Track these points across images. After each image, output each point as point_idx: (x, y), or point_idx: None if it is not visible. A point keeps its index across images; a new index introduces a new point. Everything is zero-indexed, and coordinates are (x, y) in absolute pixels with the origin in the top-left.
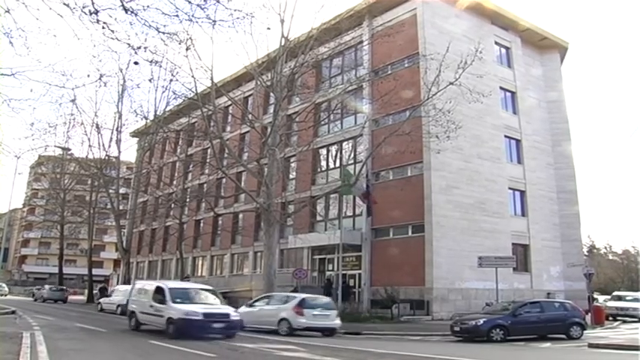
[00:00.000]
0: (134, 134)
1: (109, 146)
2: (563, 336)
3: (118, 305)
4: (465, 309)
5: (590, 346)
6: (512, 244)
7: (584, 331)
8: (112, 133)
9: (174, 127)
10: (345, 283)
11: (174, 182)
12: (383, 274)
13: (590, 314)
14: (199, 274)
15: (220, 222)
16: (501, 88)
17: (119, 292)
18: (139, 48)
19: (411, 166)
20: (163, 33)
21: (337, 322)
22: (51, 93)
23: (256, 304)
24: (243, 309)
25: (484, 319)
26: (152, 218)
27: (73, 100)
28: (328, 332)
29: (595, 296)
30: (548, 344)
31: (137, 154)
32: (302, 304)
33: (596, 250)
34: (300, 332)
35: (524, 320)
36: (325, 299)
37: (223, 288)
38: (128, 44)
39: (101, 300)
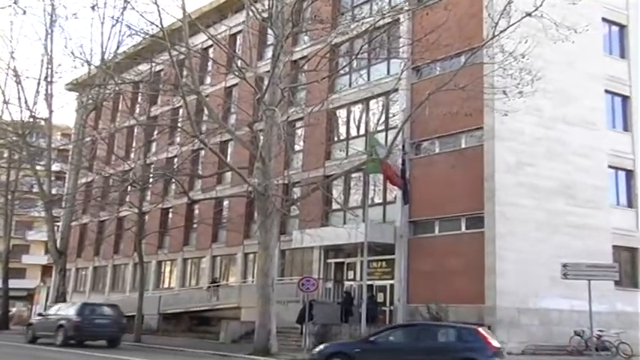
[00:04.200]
0: (72, 87)
1: (35, 103)
2: None
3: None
4: (543, 338)
5: None
6: (614, 246)
7: None
8: (39, 84)
9: (130, 78)
10: (372, 298)
11: (132, 156)
12: (424, 287)
13: None
14: (166, 284)
15: (197, 212)
16: (605, 19)
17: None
18: None
19: (467, 134)
20: None
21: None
22: None
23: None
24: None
25: (325, 345)
26: (99, 207)
27: None
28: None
29: None
30: None
31: (77, 115)
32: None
33: None
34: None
35: (383, 349)
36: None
37: (199, 305)
38: None
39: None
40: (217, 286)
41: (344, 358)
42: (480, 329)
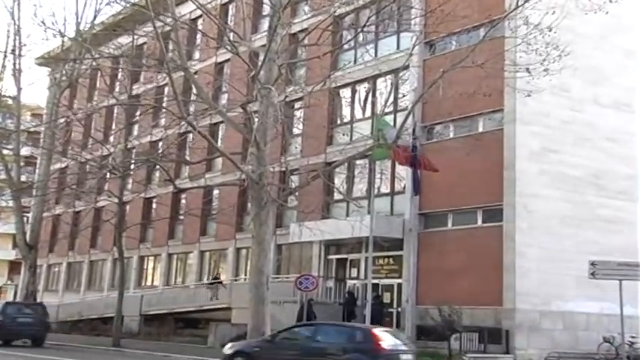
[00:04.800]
0: (43, 61)
1: (1, 79)
2: None
3: None
4: (568, 345)
5: None
6: None
7: None
8: (5, 57)
9: (109, 52)
10: (378, 298)
11: (111, 139)
12: (436, 286)
13: None
14: (148, 282)
15: (184, 202)
16: None
17: None
18: None
19: (485, 116)
20: None
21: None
22: None
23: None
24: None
25: (232, 344)
26: (74, 196)
27: None
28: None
29: None
30: None
31: (49, 93)
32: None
33: None
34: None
35: (280, 348)
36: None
37: (186, 305)
38: None
39: None
40: (220, 283)
41: (244, 357)
42: (376, 330)
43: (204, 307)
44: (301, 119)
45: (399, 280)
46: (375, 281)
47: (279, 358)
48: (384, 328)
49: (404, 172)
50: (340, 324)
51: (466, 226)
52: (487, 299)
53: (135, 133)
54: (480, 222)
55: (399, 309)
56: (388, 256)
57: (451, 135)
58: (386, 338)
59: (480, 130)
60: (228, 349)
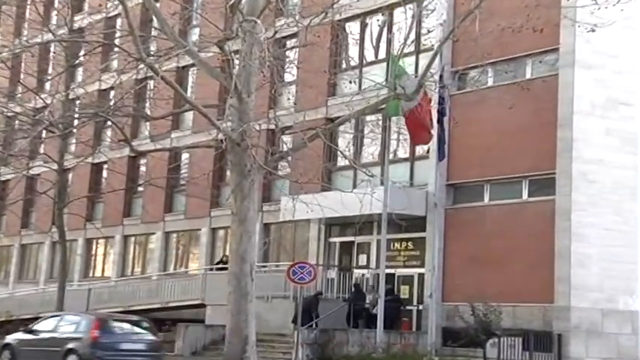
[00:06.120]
0: None
1: None
2: None
3: None
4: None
5: None
6: None
7: None
8: None
9: None
10: (393, 292)
11: (48, 87)
12: (468, 278)
13: None
14: (98, 272)
15: (143, 169)
16: None
17: None
18: None
19: (535, 58)
20: None
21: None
22: None
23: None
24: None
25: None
26: (0, 160)
27: None
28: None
29: None
30: None
31: None
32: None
33: None
34: None
35: (36, 339)
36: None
37: (147, 302)
38: None
39: None
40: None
41: (9, 349)
42: (98, 319)
43: (171, 305)
44: (295, 62)
45: (421, 270)
46: (390, 271)
47: (32, 350)
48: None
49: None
50: (77, 313)
51: (507, 201)
52: (534, 294)
53: (78, 79)
54: (525, 195)
55: (421, 306)
56: (406, 239)
57: (489, 83)
58: (104, 329)
59: (528, 76)
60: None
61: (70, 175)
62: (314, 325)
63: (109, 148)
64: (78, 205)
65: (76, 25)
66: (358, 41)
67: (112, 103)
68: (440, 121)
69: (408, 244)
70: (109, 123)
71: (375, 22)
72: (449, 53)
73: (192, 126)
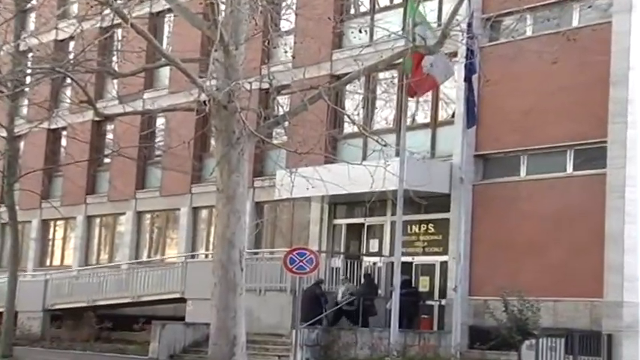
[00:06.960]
0: None
1: None
2: None
3: None
4: None
5: None
6: None
7: None
8: None
9: None
10: (413, 287)
11: None
12: (500, 267)
13: None
14: (56, 260)
15: (111, 137)
16: None
17: None
18: None
19: (582, 2)
20: None
21: None
22: None
23: None
24: None
25: None
26: None
27: None
28: None
29: None
30: None
31: None
32: None
33: None
34: None
35: None
36: None
37: (115, 295)
38: None
39: None
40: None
41: None
42: None
43: (144, 299)
44: (294, 6)
45: (444, 258)
46: (407, 259)
47: None
48: None
49: (453, 90)
50: None
51: (548, 175)
52: (579, 287)
53: (31, 27)
54: (569, 169)
55: (443, 301)
56: (427, 221)
57: (528, 32)
58: None
59: (575, 24)
60: None
61: (22, 144)
62: (324, 321)
63: (68, 111)
64: (32, 180)
65: None
66: None
67: (71, 56)
68: (468, 80)
69: (429, 226)
70: (69, 80)
71: None
72: None
73: (168, 85)
